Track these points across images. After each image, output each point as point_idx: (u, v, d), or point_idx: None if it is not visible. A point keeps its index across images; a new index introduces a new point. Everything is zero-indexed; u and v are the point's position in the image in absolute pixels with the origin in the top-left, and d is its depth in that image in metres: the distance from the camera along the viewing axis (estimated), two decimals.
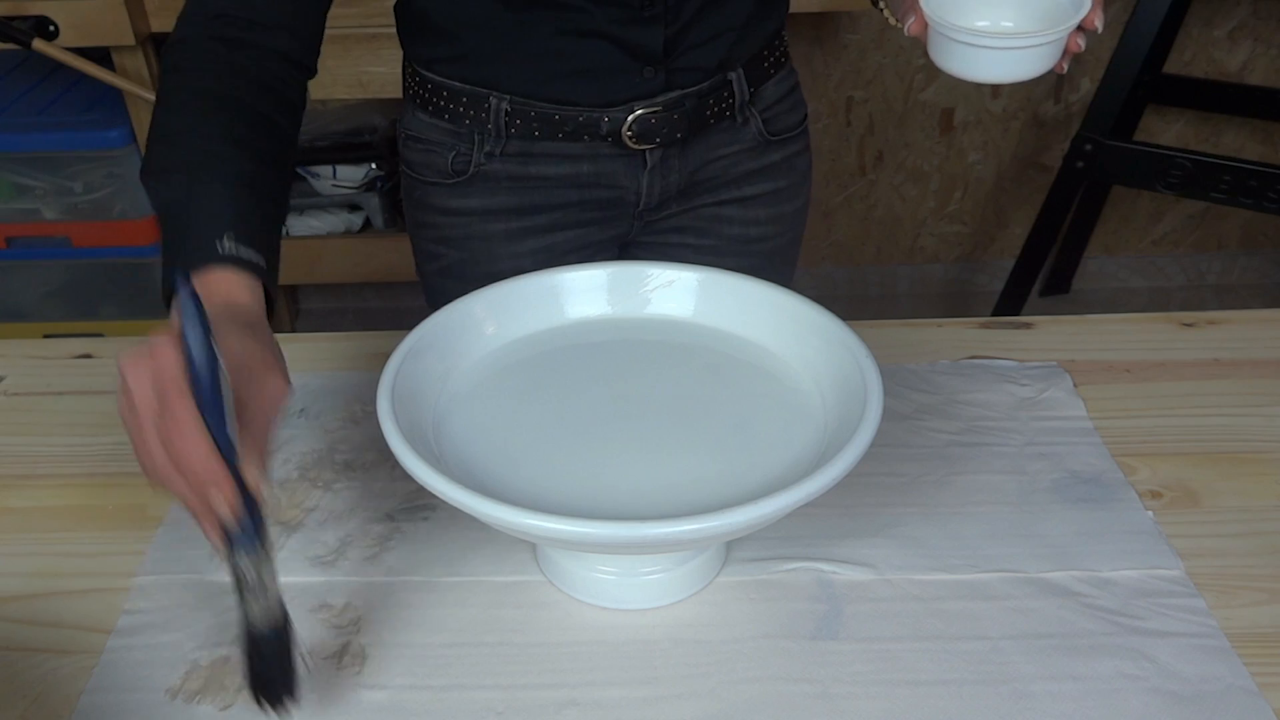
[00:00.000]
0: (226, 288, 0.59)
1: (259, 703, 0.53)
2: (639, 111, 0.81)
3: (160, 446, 0.50)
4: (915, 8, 0.67)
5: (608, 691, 0.57)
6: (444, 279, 0.92)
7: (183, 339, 0.50)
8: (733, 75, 0.84)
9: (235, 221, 0.61)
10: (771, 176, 0.92)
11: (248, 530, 0.51)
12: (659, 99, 0.81)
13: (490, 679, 0.57)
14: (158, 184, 0.64)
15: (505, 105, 0.81)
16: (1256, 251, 2.37)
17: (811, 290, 0.71)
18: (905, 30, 0.69)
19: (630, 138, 0.82)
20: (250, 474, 0.51)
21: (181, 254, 0.61)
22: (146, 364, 0.51)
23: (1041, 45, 0.63)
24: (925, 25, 0.67)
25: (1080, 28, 0.65)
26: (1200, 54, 2.10)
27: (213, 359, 0.50)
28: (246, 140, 0.65)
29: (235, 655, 0.57)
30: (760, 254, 0.94)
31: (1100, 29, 0.65)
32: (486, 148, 0.84)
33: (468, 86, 0.82)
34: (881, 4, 0.79)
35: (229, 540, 0.51)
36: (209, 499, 0.50)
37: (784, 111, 0.91)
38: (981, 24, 0.67)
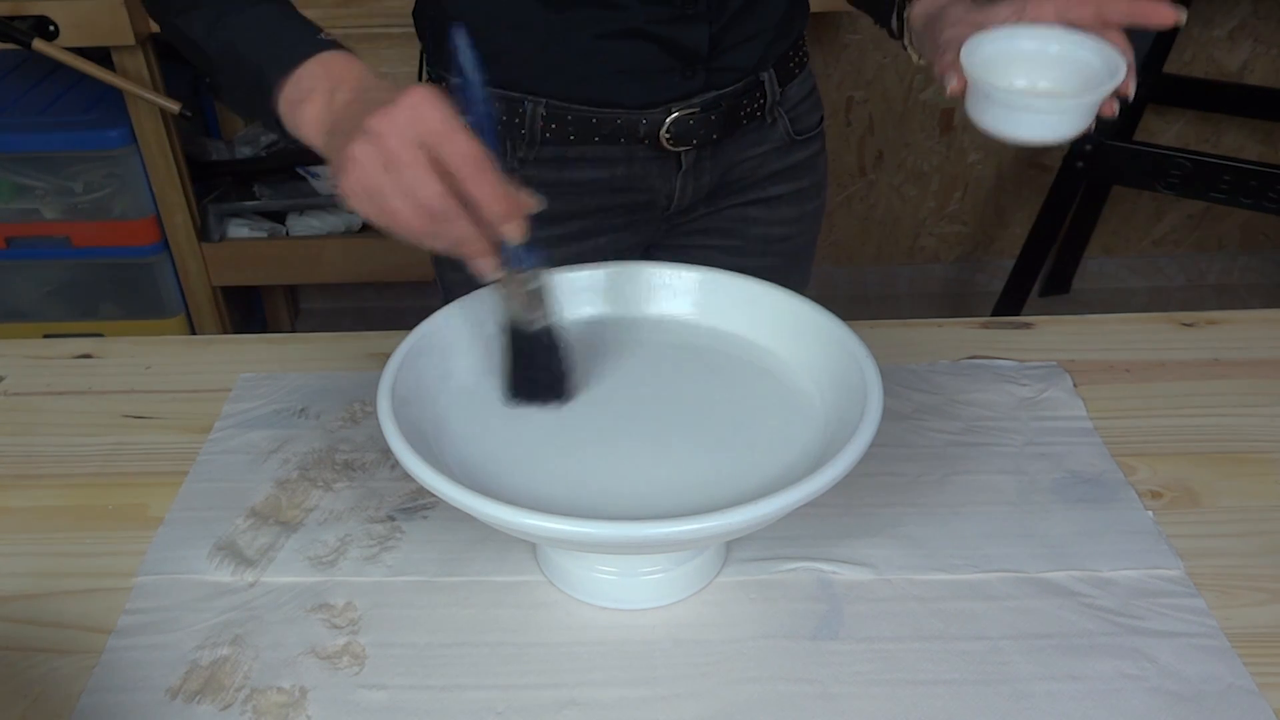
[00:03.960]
0: (353, 64, 0.61)
1: (537, 398, 0.63)
2: (676, 113, 0.81)
3: (435, 185, 0.53)
4: (955, 68, 0.67)
5: (608, 691, 0.57)
6: (470, 288, 0.91)
7: (458, 86, 0.56)
8: (764, 75, 0.85)
9: (307, 22, 0.64)
10: (795, 176, 0.93)
11: (531, 246, 0.59)
12: (696, 100, 0.81)
13: (490, 679, 0.57)
14: (216, 27, 0.65)
15: (541, 109, 0.81)
16: (1256, 251, 2.37)
17: (811, 290, 0.71)
18: (946, 91, 0.69)
19: (668, 139, 0.82)
20: (524, 195, 0.56)
21: (287, 55, 0.62)
22: (404, 116, 0.53)
23: (1081, 107, 0.65)
24: (964, 84, 0.67)
25: (1115, 93, 0.65)
26: (1200, 54, 2.10)
27: (488, 100, 0.57)
28: None
29: (501, 364, 0.65)
30: (782, 254, 0.95)
31: (1131, 96, 0.66)
32: (520, 153, 0.83)
33: (500, 90, 0.81)
34: (905, 43, 0.78)
35: (511, 259, 0.59)
36: (505, 226, 0.55)
37: (806, 111, 0.92)
38: (1020, 83, 0.68)
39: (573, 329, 0.71)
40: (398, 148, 0.53)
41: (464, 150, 0.53)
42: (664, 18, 0.76)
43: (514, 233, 0.56)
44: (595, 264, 0.73)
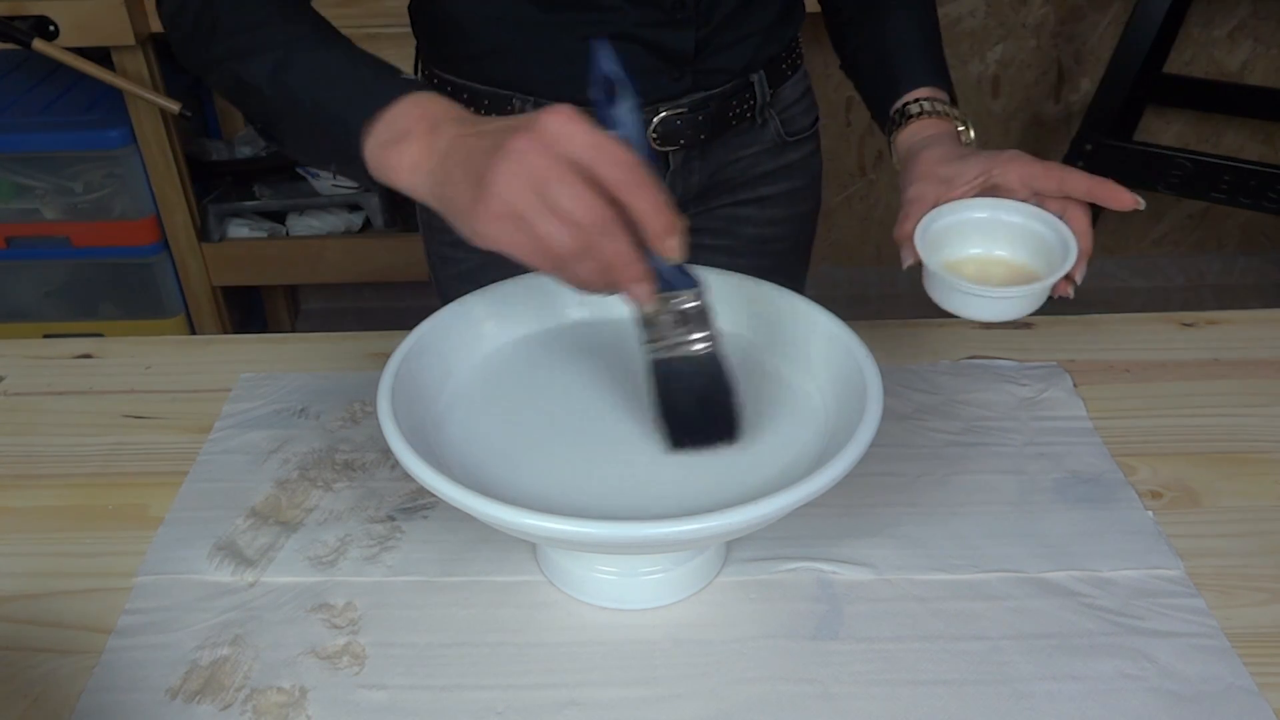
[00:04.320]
0: (449, 103, 0.58)
1: (696, 440, 0.59)
2: (664, 113, 0.81)
3: (590, 198, 0.49)
4: (912, 242, 0.70)
5: (608, 691, 0.57)
6: (462, 284, 0.91)
7: (601, 103, 0.52)
8: (754, 77, 0.85)
9: (385, 63, 0.61)
10: (788, 176, 0.93)
11: (688, 270, 0.55)
12: (684, 100, 0.82)
13: (490, 679, 0.57)
14: (282, 72, 0.62)
15: (529, 107, 0.81)
16: (1256, 251, 2.37)
17: (811, 290, 0.71)
18: (903, 265, 0.71)
19: (655, 139, 0.82)
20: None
21: (373, 97, 0.58)
22: (551, 133, 0.49)
23: (1030, 295, 0.67)
24: (919, 260, 0.70)
25: (1066, 275, 0.68)
26: (1200, 54, 2.10)
27: (639, 110, 0.53)
28: (320, 23, 0.65)
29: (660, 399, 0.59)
30: (775, 254, 0.95)
31: (1079, 283, 0.69)
32: None
33: (490, 88, 0.81)
34: (895, 162, 0.80)
35: (667, 282, 0.54)
36: (663, 242, 0.51)
37: (800, 112, 0.92)
38: (974, 251, 0.71)
39: (573, 329, 0.72)
40: (548, 166, 0.49)
41: (621, 161, 0.49)
42: (653, 21, 0.77)
43: (674, 250, 0.51)
44: None
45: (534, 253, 0.51)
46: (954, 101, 0.79)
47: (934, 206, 0.71)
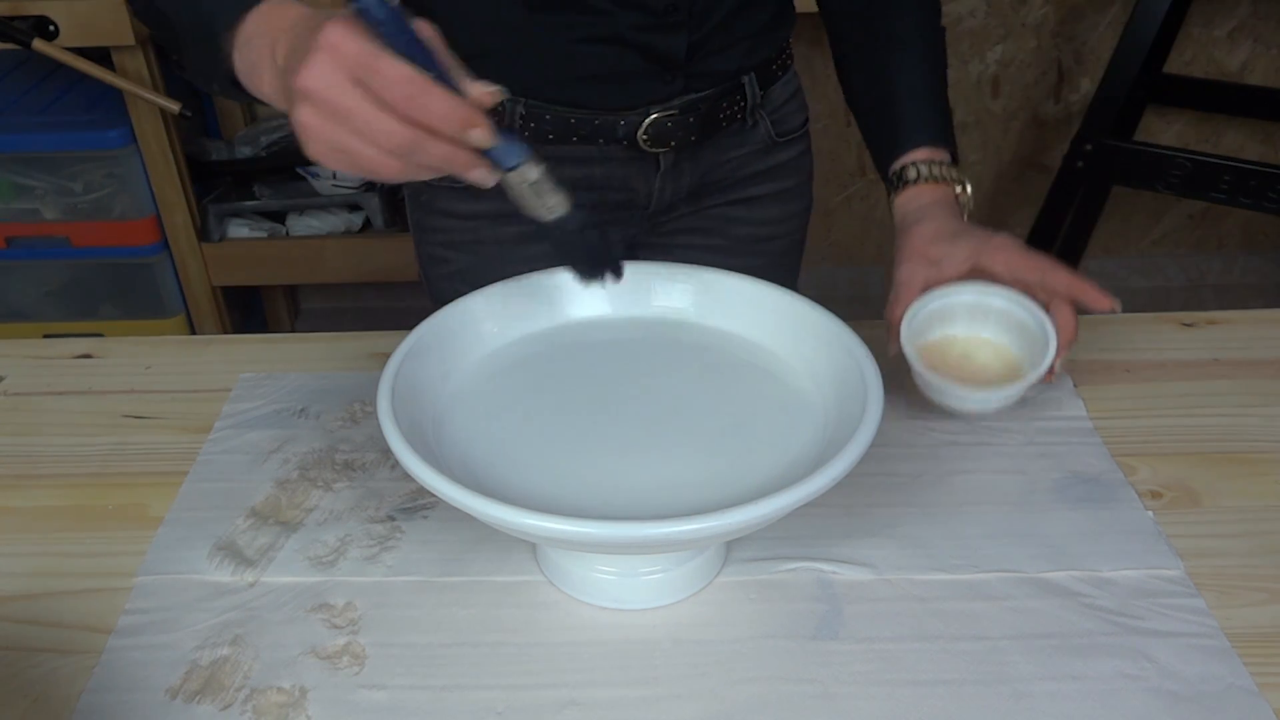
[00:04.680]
0: (288, 10, 0.57)
1: (589, 278, 0.63)
2: (654, 115, 0.81)
3: (389, 123, 0.49)
4: (897, 333, 0.72)
5: (608, 691, 0.57)
6: (453, 283, 0.91)
7: (362, 12, 0.51)
8: (745, 79, 0.85)
9: None
10: (778, 177, 0.93)
11: (511, 140, 0.55)
12: (674, 102, 0.82)
13: (490, 679, 0.57)
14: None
15: (520, 109, 0.81)
16: (1256, 251, 2.37)
17: (811, 290, 0.71)
18: (890, 352, 0.73)
19: (645, 141, 0.82)
20: (478, 91, 0.52)
21: (232, 9, 0.58)
22: (324, 64, 0.49)
23: (1009, 394, 0.70)
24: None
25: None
26: (1200, 54, 2.10)
27: (397, 11, 0.51)
28: None
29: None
30: (767, 254, 0.95)
31: (1058, 371, 0.71)
32: None
33: None
34: (892, 214, 0.81)
35: (497, 163, 0.55)
36: (468, 137, 0.51)
37: (790, 113, 0.92)
38: (961, 332, 0.74)
39: (573, 329, 0.72)
40: (334, 97, 0.49)
41: (394, 76, 0.49)
42: (644, 25, 0.77)
43: (482, 138, 0.52)
44: None
45: (370, 174, 0.52)
46: (955, 158, 0.80)
47: (923, 288, 0.73)
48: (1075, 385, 0.79)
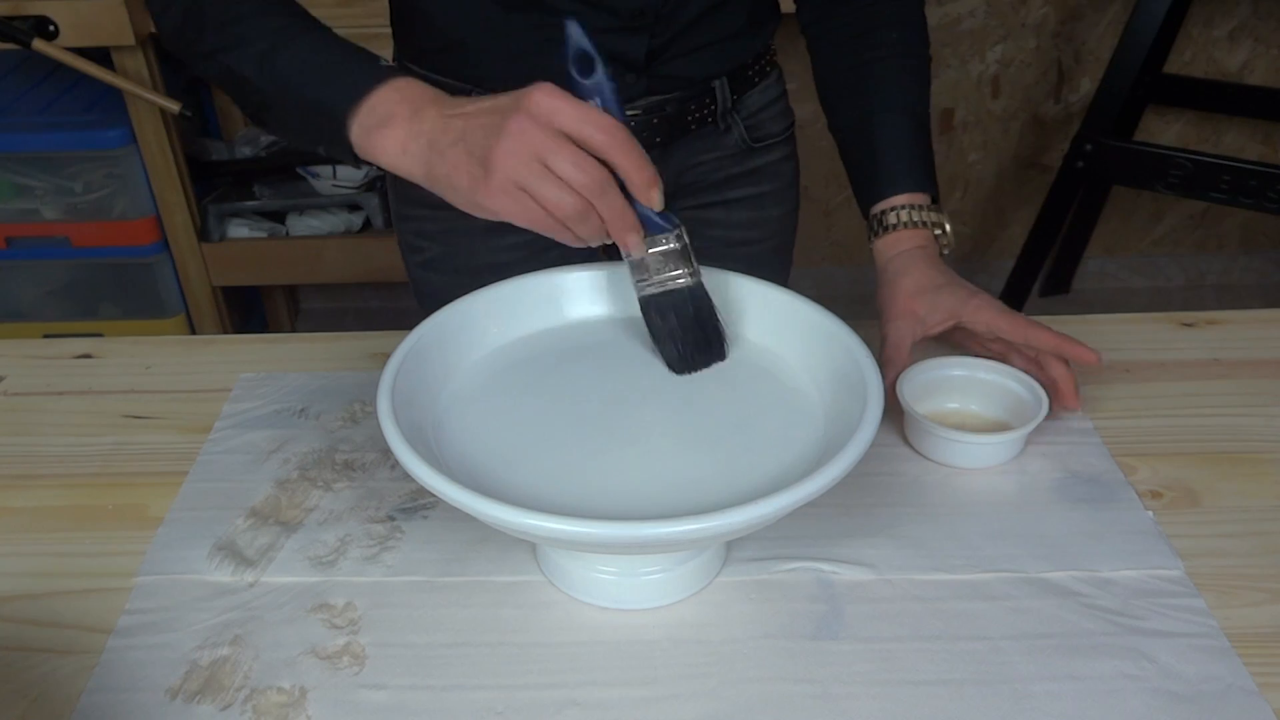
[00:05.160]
0: (425, 87, 0.64)
1: (696, 361, 0.66)
2: None
3: (592, 168, 0.57)
4: (894, 396, 0.72)
5: (608, 691, 0.57)
6: (426, 271, 0.92)
7: (581, 82, 0.60)
8: (716, 83, 0.85)
9: (364, 51, 0.66)
10: (755, 181, 0.92)
11: (667, 215, 0.62)
12: (639, 103, 0.82)
13: (490, 679, 0.57)
14: (268, 62, 0.66)
15: None
16: (1256, 251, 2.37)
17: (811, 290, 0.72)
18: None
19: None
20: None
21: (355, 85, 0.64)
22: (542, 110, 0.57)
23: (1009, 443, 0.71)
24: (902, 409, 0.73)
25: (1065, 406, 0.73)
26: (1200, 54, 2.10)
27: (611, 77, 0.60)
28: (301, 13, 0.69)
29: (662, 330, 0.66)
30: (744, 257, 0.94)
31: (1078, 409, 0.74)
32: None
33: (453, 81, 0.82)
34: (873, 256, 0.82)
35: (648, 228, 0.62)
36: (648, 194, 0.59)
37: (769, 119, 0.91)
38: (952, 405, 0.75)
39: (573, 329, 0.72)
40: (545, 139, 0.57)
41: (605, 126, 0.57)
42: (606, 26, 0.76)
43: (655, 200, 0.60)
44: (595, 264, 0.73)
45: (540, 218, 0.59)
46: (935, 199, 0.81)
47: (912, 343, 0.75)
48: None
